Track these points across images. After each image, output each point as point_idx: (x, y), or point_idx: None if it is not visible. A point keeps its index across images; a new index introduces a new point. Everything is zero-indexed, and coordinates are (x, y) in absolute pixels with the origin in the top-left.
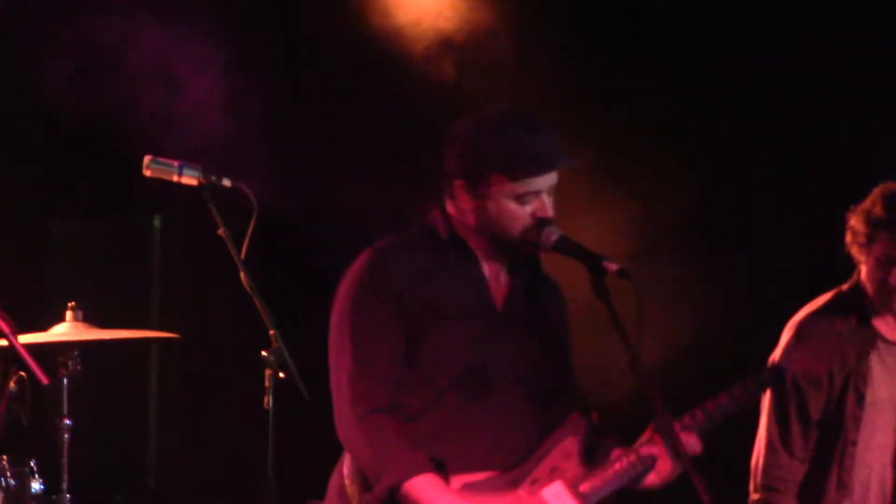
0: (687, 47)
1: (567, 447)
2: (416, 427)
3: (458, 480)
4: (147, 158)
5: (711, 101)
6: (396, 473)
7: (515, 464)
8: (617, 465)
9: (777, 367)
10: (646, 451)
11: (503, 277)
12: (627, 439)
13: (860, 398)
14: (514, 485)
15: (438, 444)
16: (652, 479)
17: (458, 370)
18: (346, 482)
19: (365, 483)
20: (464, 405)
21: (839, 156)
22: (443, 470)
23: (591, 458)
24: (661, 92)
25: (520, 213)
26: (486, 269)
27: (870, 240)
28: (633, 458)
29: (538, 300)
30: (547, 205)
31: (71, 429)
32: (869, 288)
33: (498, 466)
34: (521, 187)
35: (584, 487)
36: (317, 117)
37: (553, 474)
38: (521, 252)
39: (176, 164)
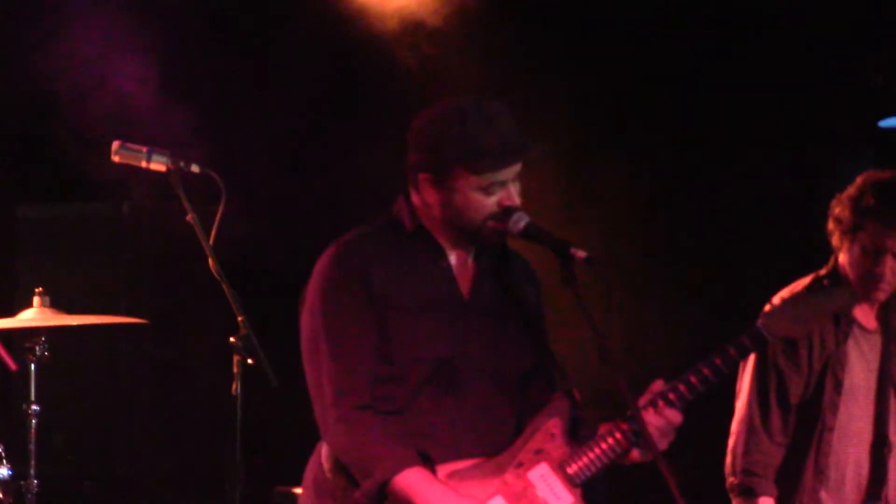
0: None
1: (551, 428)
2: (400, 419)
3: (443, 469)
4: (115, 144)
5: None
6: (385, 469)
7: (499, 449)
8: (602, 444)
9: (757, 331)
10: (629, 426)
11: (472, 266)
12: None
13: (838, 384)
14: (501, 469)
15: (422, 436)
16: (637, 454)
17: (429, 363)
18: (329, 476)
19: (350, 478)
20: (440, 397)
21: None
22: (429, 462)
23: (576, 436)
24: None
25: (486, 203)
26: (453, 258)
27: (856, 228)
28: (618, 434)
29: (507, 284)
30: (513, 193)
31: (38, 414)
32: (851, 275)
33: (482, 453)
34: (485, 180)
35: (571, 469)
36: (284, 102)
37: (538, 456)
38: (488, 240)
39: (144, 149)
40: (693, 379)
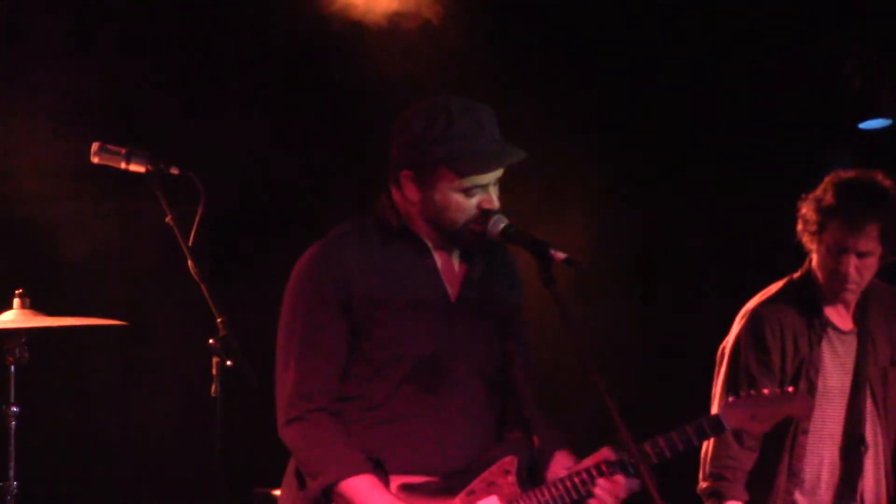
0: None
1: (506, 464)
2: (372, 420)
3: (396, 480)
4: (95, 145)
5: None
6: (333, 472)
7: (456, 469)
8: (555, 490)
9: (717, 419)
10: (579, 480)
11: (457, 266)
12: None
13: (811, 387)
14: (451, 493)
15: (387, 441)
16: None
17: (412, 362)
18: (288, 477)
19: (300, 478)
20: (418, 398)
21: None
22: (382, 470)
23: (529, 480)
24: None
25: (466, 205)
26: (438, 258)
27: (821, 228)
28: (568, 484)
29: (494, 287)
30: (493, 196)
31: (18, 415)
32: (820, 276)
33: (438, 471)
34: (467, 182)
35: None
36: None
37: (490, 489)
38: (467, 242)
39: (124, 151)
40: (648, 449)
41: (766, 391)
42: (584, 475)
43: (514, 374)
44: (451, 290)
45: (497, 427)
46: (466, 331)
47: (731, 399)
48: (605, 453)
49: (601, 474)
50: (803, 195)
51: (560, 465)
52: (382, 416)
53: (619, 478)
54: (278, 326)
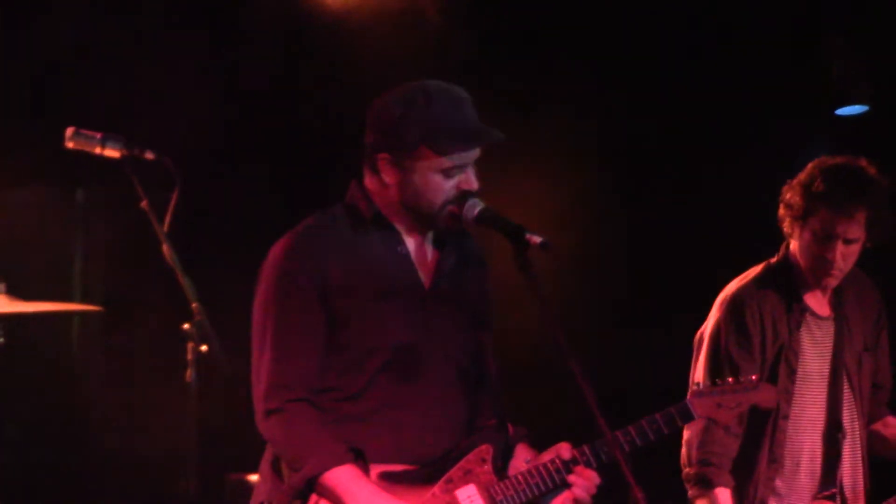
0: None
1: (483, 452)
2: (349, 410)
3: (375, 469)
4: (70, 130)
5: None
6: (316, 464)
7: (434, 457)
8: (532, 479)
9: (685, 406)
10: (554, 468)
11: (430, 252)
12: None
13: (791, 372)
14: (429, 481)
15: (366, 430)
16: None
17: (388, 351)
18: (264, 465)
19: (278, 471)
20: (395, 387)
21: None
22: (362, 460)
23: (504, 467)
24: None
25: (444, 186)
26: (411, 244)
27: (807, 214)
28: (544, 473)
29: (465, 274)
30: (471, 177)
31: None
32: (802, 262)
33: (417, 460)
34: (447, 161)
35: (498, 495)
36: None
37: (467, 477)
38: (443, 225)
39: (99, 136)
40: (619, 437)
41: (730, 379)
42: (560, 464)
43: (486, 362)
44: (425, 278)
45: (472, 415)
46: (441, 319)
47: (696, 388)
48: (564, 448)
49: (576, 463)
50: (788, 181)
51: (521, 457)
52: (359, 406)
53: (590, 472)
54: (252, 319)
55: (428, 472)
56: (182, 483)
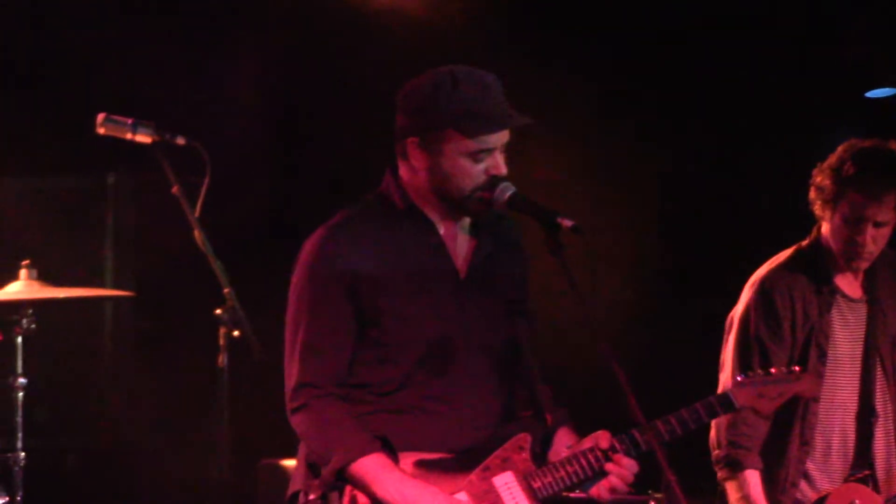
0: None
1: (521, 440)
2: (385, 405)
3: (409, 457)
4: (101, 116)
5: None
6: (342, 456)
7: (471, 447)
8: (570, 467)
9: (727, 397)
10: (593, 458)
11: (465, 240)
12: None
13: (822, 354)
14: (466, 469)
15: (402, 423)
16: (597, 492)
17: (423, 345)
18: (300, 454)
19: (311, 465)
20: (431, 381)
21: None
22: (390, 448)
23: (542, 455)
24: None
25: (473, 171)
26: (444, 233)
27: (837, 197)
28: (583, 462)
29: (502, 261)
30: (500, 161)
31: (25, 387)
32: (833, 245)
33: (454, 448)
34: (475, 144)
35: (536, 483)
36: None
37: (505, 464)
38: (473, 210)
39: (129, 121)
40: (660, 427)
41: (773, 370)
42: (599, 453)
43: (524, 350)
44: (460, 267)
45: (510, 405)
46: (476, 308)
47: (739, 378)
48: (603, 436)
49: (615, 451)
50: (818, 164)
51: (562, 442)
52: (396, 401)
53: (628, 461)
54: (287, 310)
55: (465, 460)
56: (215, 468)
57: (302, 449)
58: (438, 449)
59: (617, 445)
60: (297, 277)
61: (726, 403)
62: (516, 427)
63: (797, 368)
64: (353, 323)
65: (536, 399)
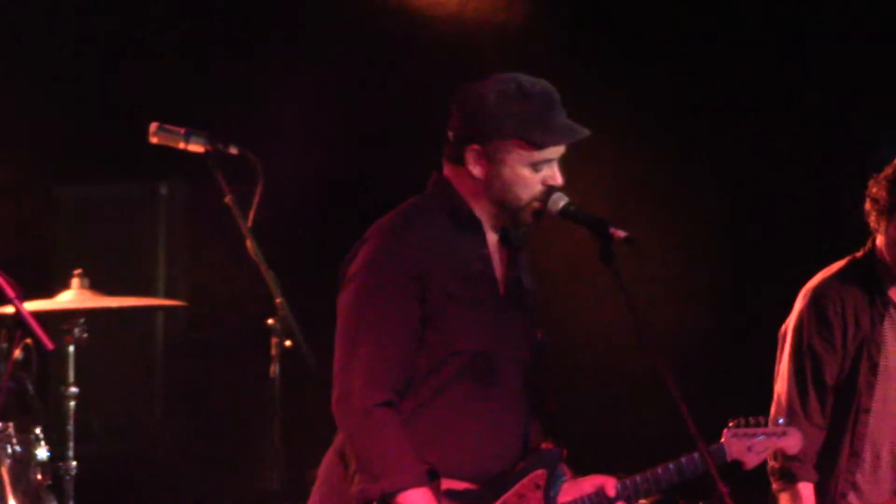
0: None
1: (537, 478)
2: (417, 416)
3: (442, 484)
4: (154, 126)
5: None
6: (395, 481)
7: (496, 475)
8: None
9: (721, 447)
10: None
11: (501, 253)
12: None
13: (873, 366)
14: (486, 502)
15: (433, 438)
16: None
17: (467, 358)
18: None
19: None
20: (468, 394)
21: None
22: (437, 478)
23: (555, 494)
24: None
25: (532, 180)
26: (490, 242)
27: (892, 208)
28: (609, 493)
29: (525, 271)
30: (557, 172)
31: (77, 396)
32: (888, 256)
33: (479, 473)
34: (538, 155)
35: None
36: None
37: (520, 501)
38: (524, 220)
39: (182, 131)
40: (659, 475)
41: (761, 418)
42: (603, 499)
43: (547, 371)
44: (500, 282)
45: (532, 428)
46: (512, 325)
47: (731, 423)
48: (609, 484)
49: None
50: (874, 175)
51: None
52: (431, 413)
53: None
54: (345, 303)
55: (487, 493)
56: (265, 478)
57: (333, 449)
58: (467, 473)
59: (620, 492)
60: (363, 273)
61: (718, 454)
62: (535, 461)
63: (781, 421)
64: (419, 323)
65: (554, 427)
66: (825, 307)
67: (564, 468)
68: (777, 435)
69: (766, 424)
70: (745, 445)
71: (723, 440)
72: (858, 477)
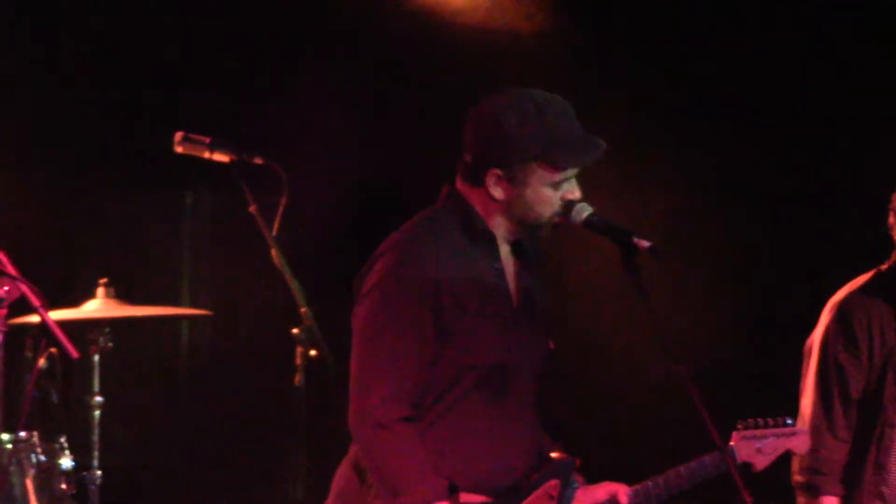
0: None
1: (550, 488)
2: (433, 430)
3: (459, 497)
4: (178, 135)
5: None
6: (416, 496)
7: (511, 487)
8: None
9: (731, 450)
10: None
11: (513, 266)
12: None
13: None
14: None
15: (447, 451)
16: None
17: (482, 372)
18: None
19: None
20: (482, 409)
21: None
22: (456, 492)
23: (568, 502)
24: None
25: (553, 198)
26: (503, 255)
27: None
28: None
29: (536, 288)
30: (576, 187)
31: (101, 405)
32: None
33: (493, 486)
34: (560, 175)
35: None
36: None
37: None
38: (544, 235)
39: (208, 140)
40: (672, 478)
41: (770, 420)
42: None
43: (555, 375)
44: (514, 295)
45: (544, 441)
46: (525, 336)
47: (740, 425)
48: (622, 492)
49: None
50: None
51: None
52: (446, 426)
53: None
54: (362, 318)
55: None
56: (290, 488)
57: (348, 462)
58: (482, 486)
59: (632, 499)
60: (380, 285)
61: (728, 458)
62: (549, 471)
63: (788, 420)
64: (434, 337)
65: (564, 436)
66: (851, 320)
67: (577, 476)
68: (786, 435)
69: (773, 425)
70: (755, 447)
71: (732, 443)
72: (884, 490)
